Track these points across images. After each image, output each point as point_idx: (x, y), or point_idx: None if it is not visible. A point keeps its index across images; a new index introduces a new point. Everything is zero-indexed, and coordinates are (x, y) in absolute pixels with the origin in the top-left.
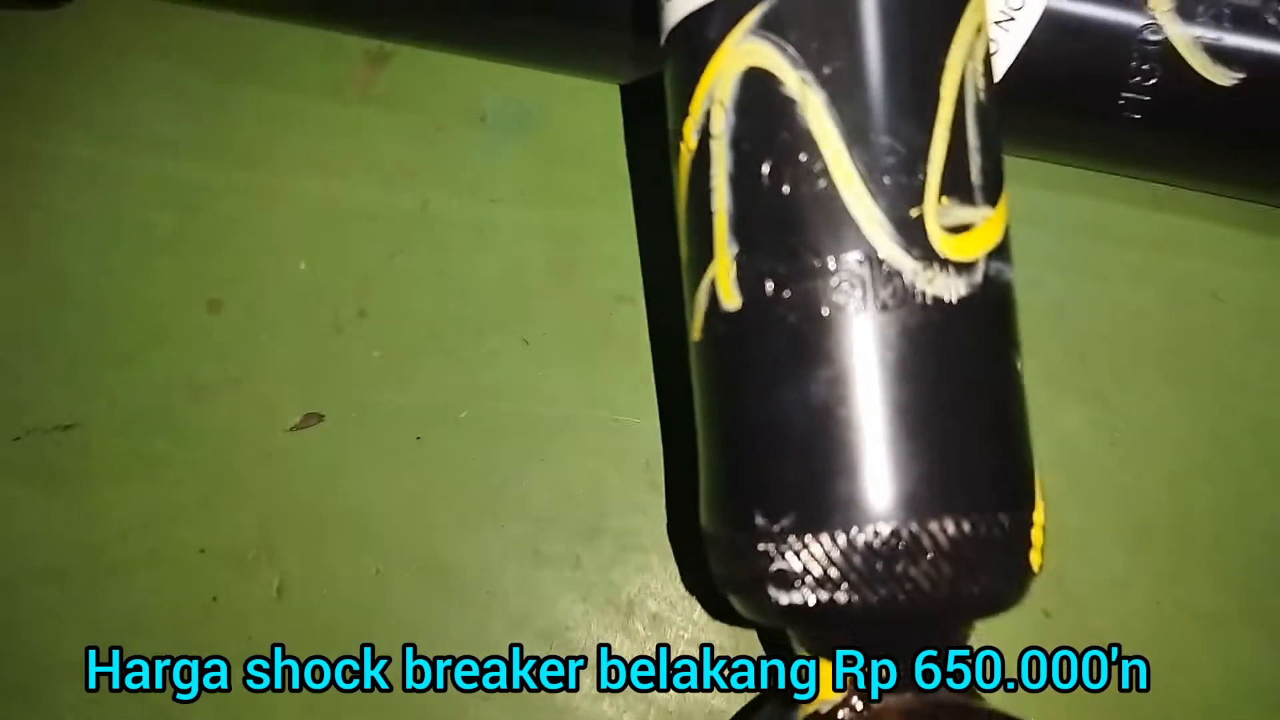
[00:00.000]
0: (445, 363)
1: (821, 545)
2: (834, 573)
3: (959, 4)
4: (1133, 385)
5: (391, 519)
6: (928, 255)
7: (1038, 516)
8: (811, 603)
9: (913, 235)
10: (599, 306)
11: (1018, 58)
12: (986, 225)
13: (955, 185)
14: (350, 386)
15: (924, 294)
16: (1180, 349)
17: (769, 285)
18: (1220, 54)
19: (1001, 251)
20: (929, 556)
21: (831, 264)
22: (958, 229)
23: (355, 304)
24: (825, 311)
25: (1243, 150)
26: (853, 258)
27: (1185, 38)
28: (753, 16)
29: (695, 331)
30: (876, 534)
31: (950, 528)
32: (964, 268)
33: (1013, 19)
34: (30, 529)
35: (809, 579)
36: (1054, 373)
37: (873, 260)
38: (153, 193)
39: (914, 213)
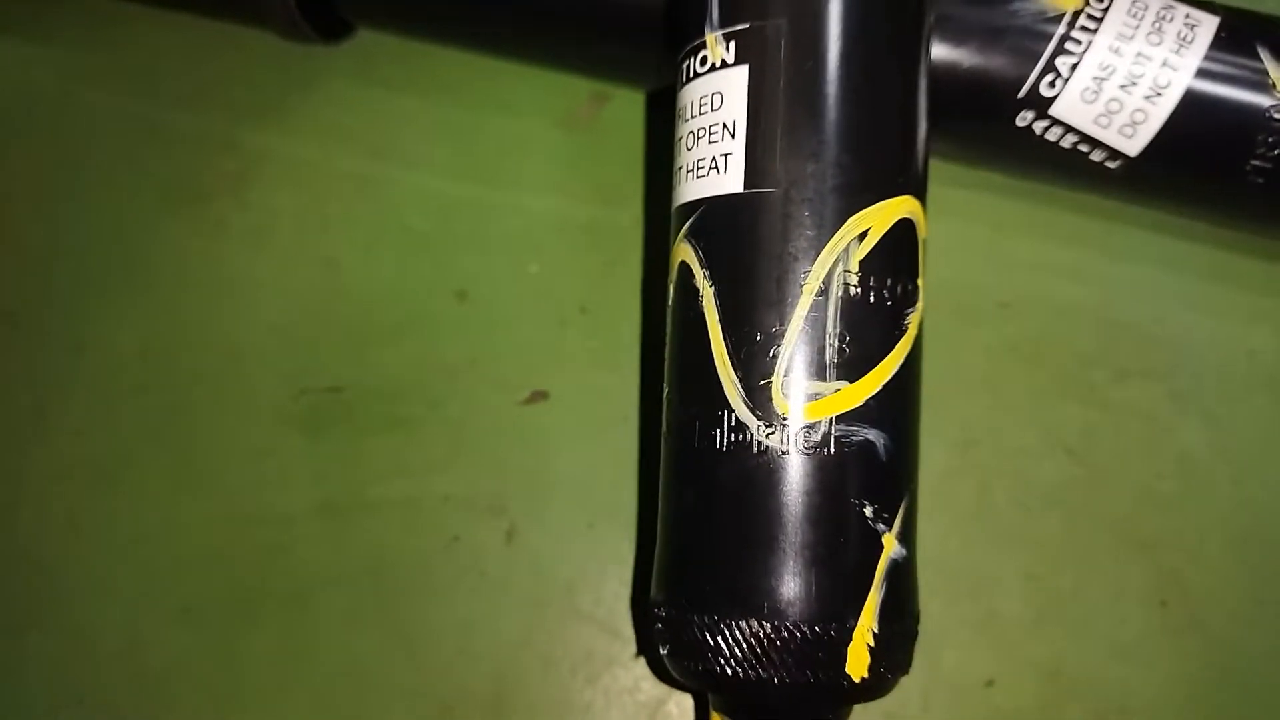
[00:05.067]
0: (651, 354)
1: (692, 622)
2: (699, 646)
3: (835, 222)
4: (1243, 408)
5: (602, 482)
6: (769, 416)
7: (860, 634)
8: (692, 669)
9: (759, 400)
10: None
11: (1162, 128)
12: (837, 396)
13: (807, 364)
14: (572, 370)
15: (761, 444)
16: None
17: (672, 419)
18: None
19: (857, 415)
20: (740, 649)
21: (701, 414)
22: (805, 397)
23: (577, 302)
24: (697, 445)
25: None
26: (715, 411)
27: None
28: (688, 224)
29: None
30: (705, 622)
31: (751, 628)
32: (808, 428)
33: (1160, 94)
34: (306, 471)
35: (682, 648)
36: (1177, 393)
37: (727, 415)
38: (412, 201)
39: (762, 383)
